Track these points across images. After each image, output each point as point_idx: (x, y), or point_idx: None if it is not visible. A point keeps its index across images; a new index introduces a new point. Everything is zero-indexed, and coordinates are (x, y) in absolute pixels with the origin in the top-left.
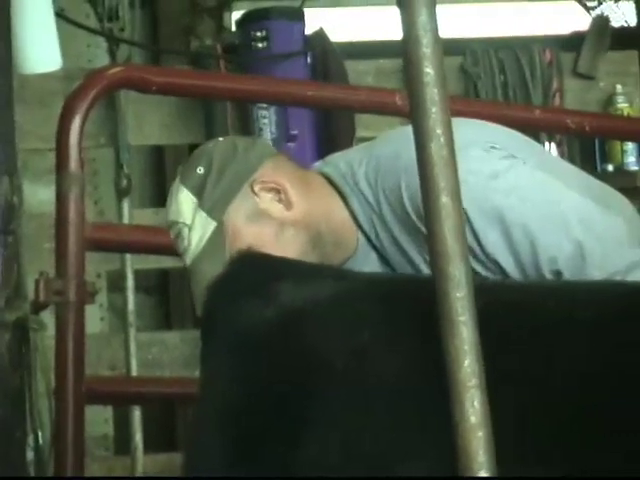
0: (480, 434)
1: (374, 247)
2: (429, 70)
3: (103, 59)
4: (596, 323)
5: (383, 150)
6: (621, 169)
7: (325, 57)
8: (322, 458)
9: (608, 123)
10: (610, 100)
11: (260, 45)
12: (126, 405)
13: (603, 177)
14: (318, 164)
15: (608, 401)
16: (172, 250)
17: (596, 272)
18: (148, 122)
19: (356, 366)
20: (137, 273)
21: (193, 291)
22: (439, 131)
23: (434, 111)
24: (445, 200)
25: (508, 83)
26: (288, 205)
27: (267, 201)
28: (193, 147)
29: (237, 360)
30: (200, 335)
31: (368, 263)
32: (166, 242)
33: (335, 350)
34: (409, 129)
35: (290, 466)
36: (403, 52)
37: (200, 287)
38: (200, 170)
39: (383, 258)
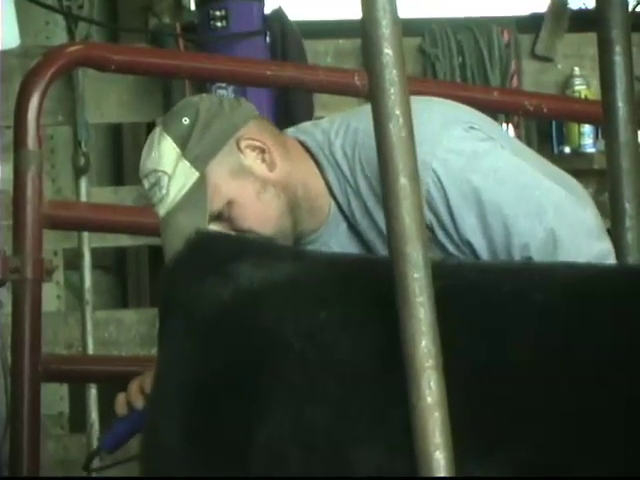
0: (436, 415)
1: (345, 217)
2: (388, 51)
3: (61, 37)
4: (546, 306)
5: (361, 124)
6: (578, 151)
7: (284, 37)
8: (278, 439)
9: (566, 105)
10: (568, 82)
11: (219, 24)
12: (82, 383)
13: (560, 159)
14: (292, 131)
15: (556, 387)
16: (129, 229)
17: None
18: (106, 100)
19: (313, 347)
20: (94, 251)
21: (164, 243)
22: (398, 112)
23: (393, 92)
24: (404, 181)
25: (466, 64)
26: (271, 165)
27: (251, 159)
28: (151, 126)
29: (194, 340)
30: (157, 314)
31: (338, 233)
32: (124, 221)
33: (292, 331)
34: None
35: (246, 447)
36: (362, 32)
37: (173, 238)
38: (185, 121)
39: (353, 229)
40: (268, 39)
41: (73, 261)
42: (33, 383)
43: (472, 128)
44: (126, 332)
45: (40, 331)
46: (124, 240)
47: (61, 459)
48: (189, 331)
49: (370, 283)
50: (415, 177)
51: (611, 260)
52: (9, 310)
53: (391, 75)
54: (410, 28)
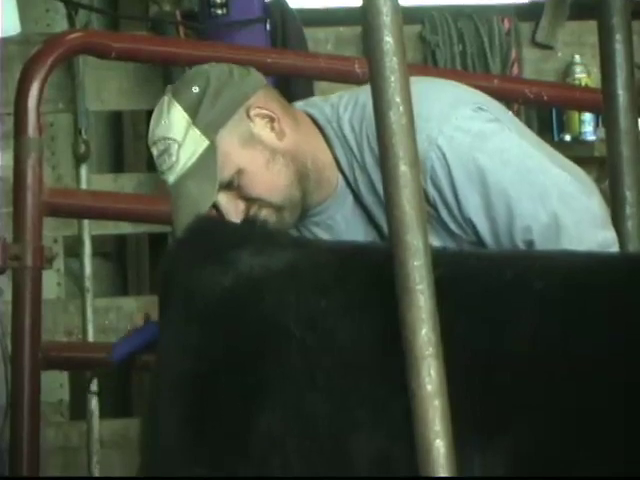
0: (436, 403)
1: (352, 192)
2: (389, 38)
3: (62, 24)
4: (546, 294)
5: (370, 99)
6: (578, 139)
7: (284, 24)
8: (278, 426)
9: (566, 93)
10: (568, 70)
11: (219, 12)
12: (82, 371)
13: (560, 147)
14: (300, 104)
15: (554, 375)
16: (130, 216)
17: (568, 248)
18: (107, 88)
19: (313, 334)
20: (94, 239)
21: (175, 210)
22: (398, 99)
23: (393, 79)
24: (404, 168)
25: (467, 52)
26: (281, 135)
27: (261, 127)
28: (151, 113)
29: (194, 328)
30: (157, 302)
31: (344, 207)
32: (124, 208)
33: (292, 318)
34: None
35: (246, 435)
36: (363, 20)
37: (182, 206)
38: (196, 89)
39: (359, 203)
40: (268, 27)
41: (73, 248)
42: (33, 370)
43: (480, 109)
44: (126, 319)
45: (40, 319)
46: (124, 227)
47: (61, 446)
48: (190, 318)
49: (371, 270)
50: (415, 164)
51: (615, 249)
52: (9, 298)
53: (391, 63)
54: (410, 16)
